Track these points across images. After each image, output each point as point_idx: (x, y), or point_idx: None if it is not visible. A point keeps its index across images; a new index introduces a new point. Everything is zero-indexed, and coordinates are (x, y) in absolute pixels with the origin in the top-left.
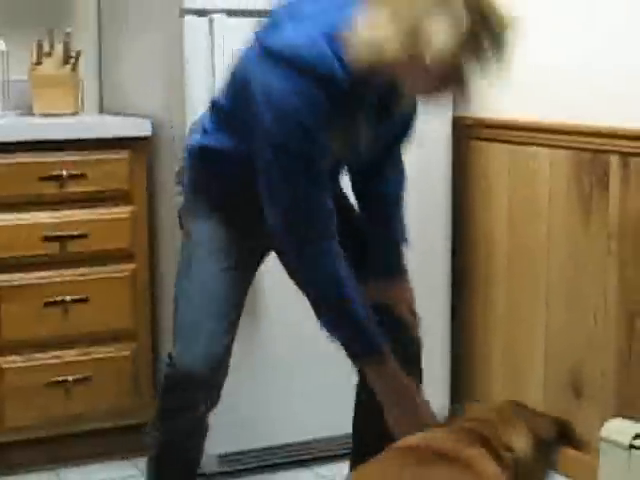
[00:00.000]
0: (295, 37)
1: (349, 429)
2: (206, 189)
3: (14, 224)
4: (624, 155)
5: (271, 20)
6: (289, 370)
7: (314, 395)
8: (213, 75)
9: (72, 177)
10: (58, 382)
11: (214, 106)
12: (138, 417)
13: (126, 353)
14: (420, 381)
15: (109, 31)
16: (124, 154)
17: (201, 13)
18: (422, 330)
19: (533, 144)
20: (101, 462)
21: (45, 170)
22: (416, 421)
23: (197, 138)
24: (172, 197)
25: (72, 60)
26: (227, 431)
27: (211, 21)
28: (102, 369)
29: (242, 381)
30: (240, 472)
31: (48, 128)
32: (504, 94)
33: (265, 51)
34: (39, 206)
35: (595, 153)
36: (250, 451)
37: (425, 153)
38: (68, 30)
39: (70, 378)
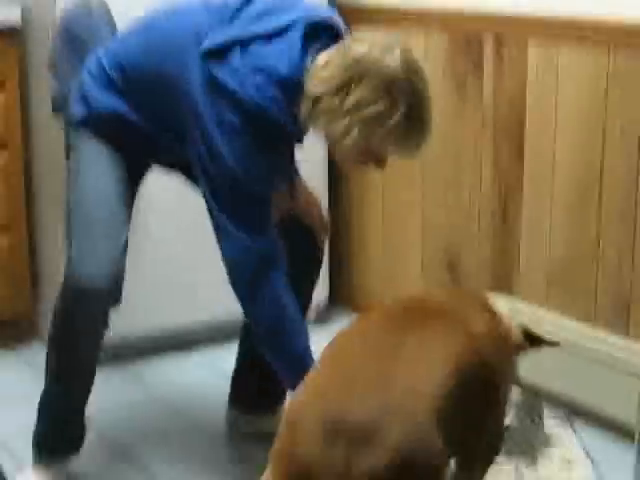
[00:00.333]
0: (245, 81)
1: (225, 316)
2: (95, 127)
3: None
4: (498, 39)
5: (220, 41)
6: (170, 257)
7: (191, 282)
8: None
9: None
10: None
11: (117, 68)
12: (14, 309)
13: (1, 246)
14: (317, 276)
15: None
16: None
17: None
18: None
19: (407, 28)
20: None
21: None
22: None
23: (93, 98)
24: (47, 87)
25: None
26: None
27: None
28: None
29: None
30: (123, 357)
31: None
32: None
33: (214, 81)
34: None
35: (469, 38)
36: (133, 337)
37: None
38: None
39: None
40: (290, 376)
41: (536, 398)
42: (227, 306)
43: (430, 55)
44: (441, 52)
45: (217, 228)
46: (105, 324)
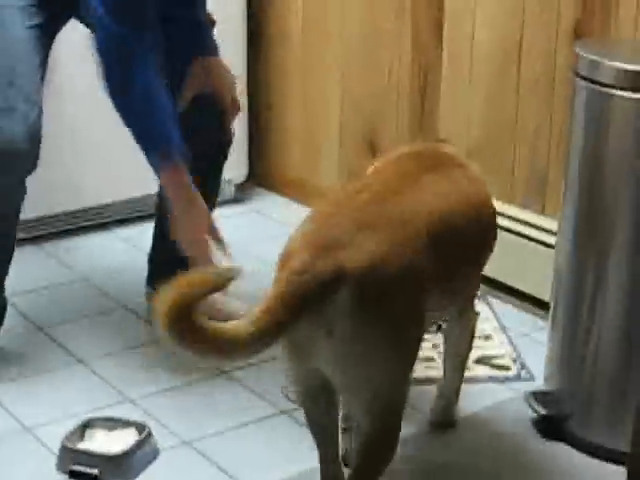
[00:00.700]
0: None
1: (146, 191)
2: None
3: None
4: None
5: None
6: (89, 135)
7: (112, 158)
8: None
9: None
10: None
11: None
12: None
13: None
14: (225, 157)
15: None
16: None
17: None
18: None
19: None
20: None
21: None
22: (202, 229)
23: None
24: None
25: None
26: (29, 197)
27: None
28: None
29: (43, 146)
30: (43, 237)
31: None
32: None
33: None
34: None
35: None
36: (52, 216)
37: None
38: None
39: None
40: (154, 155)
41: None
42: (147, 184)
43: None
44: None
45: (92, 18)
46: (22, 191)
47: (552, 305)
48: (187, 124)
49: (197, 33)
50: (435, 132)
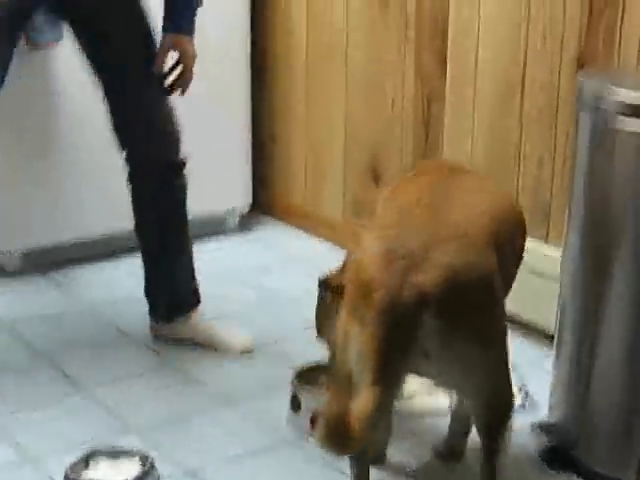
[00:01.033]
0: None
1: None
2: None
3: None
4: None
5: None
6: (96, 166)
7: (118, 189)
8: None
9: None
10: None
11: None
12: None
13: None
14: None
15: None
16: None
17: None
18: (222, 118)
19: None
20: None
21: None
22: None
23: None
24: None
25: None
26: (29, 228)
27: None
28: None
29: (41, 177)
30: (48, 267)
31: None
32: None
33: None
34: None
35: None
36: (53, 247)
37: None
38: None
39: None
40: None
41: None
42: None
43: None
44: None
45: None
46: None
47: (557, 334)
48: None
49: (175, 12)
50: (439, 158)
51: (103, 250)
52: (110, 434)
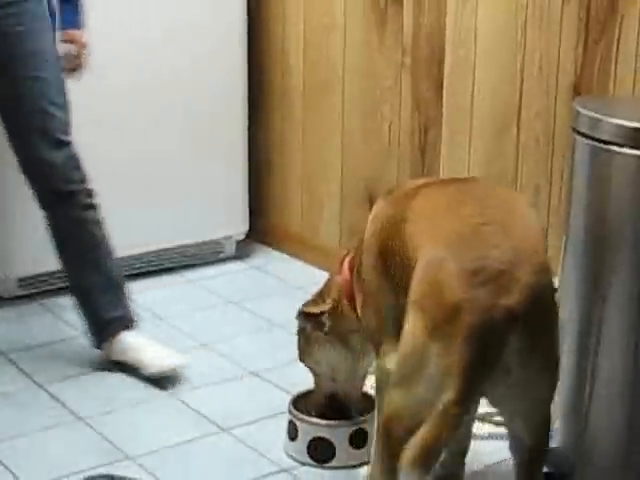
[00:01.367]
0: None
1: (145, 248)
2: None
3: None
4: None
5: None
6: None
7: (111, 216)
8: None
9: None
10: None
11: None
12: None
13: None
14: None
15: None
16: None
17: None
18: (219, 146)
19: None
20: None
21: None
22: None
23: None
24: None
25: None
26: (26, 254)
27: None
28: None
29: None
30: (41, 294)
31: None
32: None
33: None
34: None
35: None
36: (50, 273)
37: None
38: None
39: None
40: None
41: None
42: (144, 241)
43: None
44: None
45: None
46: None
47: None
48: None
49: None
50: None
51: None
52: (108, 462)
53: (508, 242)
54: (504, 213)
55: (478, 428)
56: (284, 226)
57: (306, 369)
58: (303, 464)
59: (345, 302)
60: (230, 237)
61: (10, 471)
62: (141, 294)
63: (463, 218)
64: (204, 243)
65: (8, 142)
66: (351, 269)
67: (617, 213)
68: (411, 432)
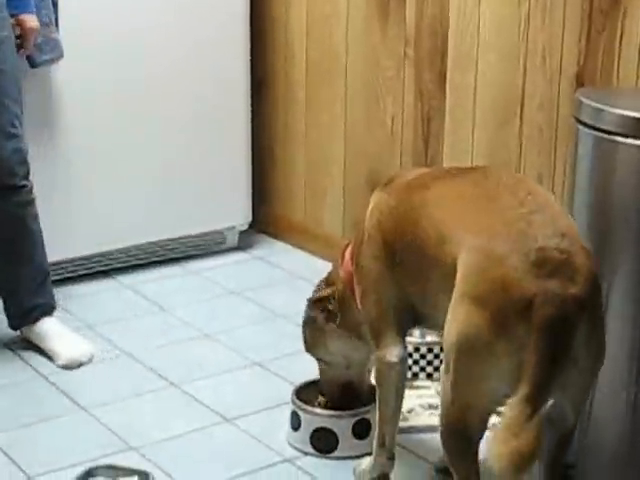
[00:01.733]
0: None
1: (146, 239)
2: None
3: None
4: None
5: None
6: (88, 184)
7: (112, 207)
8: None
9: None
10: None
11: None
12: None
13: None
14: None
15: None
16: None
17: None
18: (221, 136)
19: None
20: None
21: None
22: None
23: None
24: None
25: None
26: None
27: None
28: None
29: (45, 197)
30: None
31: None
32: None
33: None
34: None
35: None
36: (51, 264)
37: None
38: None
39: None
40: None
41: None
42: (146, 231)
43: None
44: None
45: None
46: None
47: None
48: None
49: None
50: None
51: (96, 267)
52: (110, 452)
53: (558, 230)
54: (541, 200)
55: None
56: (287, 216)
57: (310, 360)
58: (306, 454)
59: (348, 292)
60: (233, 227)
61: (13, 461)
62: (144, 285)
63: (505, 209)
64: (207, 234)
65: None
66: (352, 260)
67: (620, 203)
68: (482, 429)
